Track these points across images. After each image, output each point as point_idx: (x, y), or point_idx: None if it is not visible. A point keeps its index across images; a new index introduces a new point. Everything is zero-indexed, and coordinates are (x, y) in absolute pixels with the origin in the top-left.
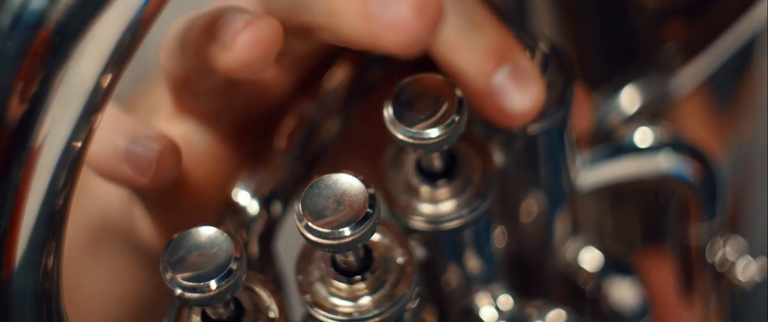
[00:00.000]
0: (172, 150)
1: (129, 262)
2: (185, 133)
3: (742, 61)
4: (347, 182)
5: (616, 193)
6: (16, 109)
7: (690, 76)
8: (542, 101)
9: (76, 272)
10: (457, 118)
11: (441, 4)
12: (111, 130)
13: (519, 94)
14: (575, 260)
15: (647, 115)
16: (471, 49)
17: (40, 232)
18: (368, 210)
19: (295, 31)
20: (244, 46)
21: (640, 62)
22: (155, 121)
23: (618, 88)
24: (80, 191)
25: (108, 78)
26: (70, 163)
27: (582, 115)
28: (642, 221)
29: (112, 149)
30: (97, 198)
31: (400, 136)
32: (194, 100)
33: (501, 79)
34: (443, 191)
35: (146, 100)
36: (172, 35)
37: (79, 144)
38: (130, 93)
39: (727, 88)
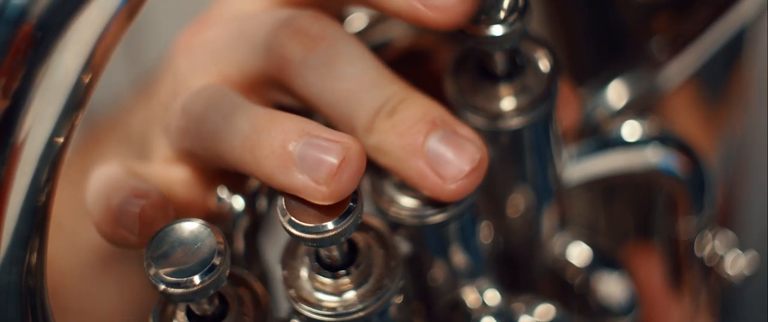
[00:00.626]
0: (156, 204)
1: (142, 275)
2: (184, 176)
3: (730, 54)
4: None
5: (608, 187)
6: None
7: (678, 69)
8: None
9: (91, 289)
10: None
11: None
12: (106, 191)
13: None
14: (563, 254)
15: (636, 109)
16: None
17: (24, 228)
18: (351, 204)
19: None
20: (342, 186)
21: (628, 56)
22: (150, 164)
23: (606, 82)
24: (88, 215)
25: (90, 74)
26: (53, 158)
27: (568, 110)
28: (634, 216)
29: (106, 212)
30: None
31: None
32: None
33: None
34: None
35: (143, 110)
36: (190, 116)
37: (61, 140)
38: (127, 99)
39: (716, 81)
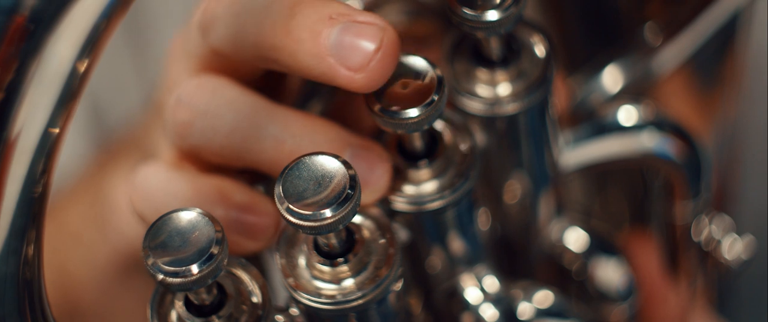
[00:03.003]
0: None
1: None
2: (185, 182)
3: (724, 38)
4: (327, 163)
5: (603, 173)
6: None
7: (672, 54)
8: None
9: (110, 300)
10: (436, 98)
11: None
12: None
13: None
14: (560, 240)
15: (631, 94)
16: None
17: (20, 219)
18: (349, 191)
19: (243, 61)
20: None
21: (622, 41)
22: (154, 163)
23: (600, 67)
24: (105, 227)
25: (84, 63)
26: (49, 149)
27: (557, 97)
28: (629, 201)
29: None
30: (124, 231)
31: (379, 118)
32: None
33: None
34: (425, 172)
35: (154, 123)
36: (193, 109)
37: (57, 130)
38: (141, 114)
39: (710, 65)
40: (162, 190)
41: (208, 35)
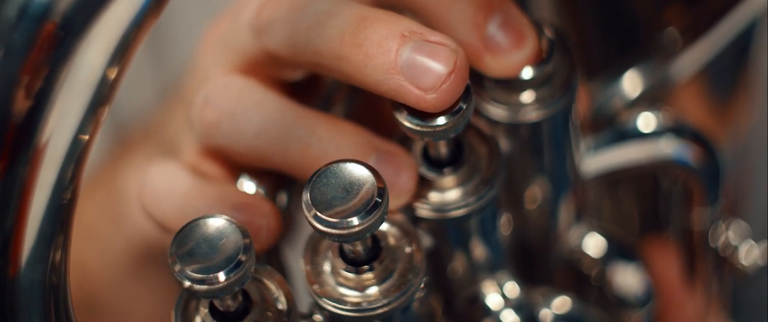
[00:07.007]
0: (274, 215)
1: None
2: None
3: (741, 46)
4: (356, 171)
5: (615, 179)
6: (22, 103)
7: (690, 61)
8: (535, 49)
9: (126, 293)
10: (464, 106)
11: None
12: (195, 200)
13: (511, 44)
14: (579, 246)
15: (648, 100)
16: (462, 2)
17: (48, 226)
18: (377, 199)
19: (298, 66)
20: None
21: (640, 47)
22: (163, 161)
23: (620, 73)
24: (120, 220)
25: (115, 70)
26: (78, 156)
27: (577, 103)
28: (640, 207)
29: (183, 217)
30: (139, 225)
31: (407, 124)
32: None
33: (493, 30)
34: (450, 179)
35: (174, 114)
36: (220, 110)
37: (86, 137)
38: (157, 106)
39: (726, 73)
40: (165, 188)
41: (263, 37)
